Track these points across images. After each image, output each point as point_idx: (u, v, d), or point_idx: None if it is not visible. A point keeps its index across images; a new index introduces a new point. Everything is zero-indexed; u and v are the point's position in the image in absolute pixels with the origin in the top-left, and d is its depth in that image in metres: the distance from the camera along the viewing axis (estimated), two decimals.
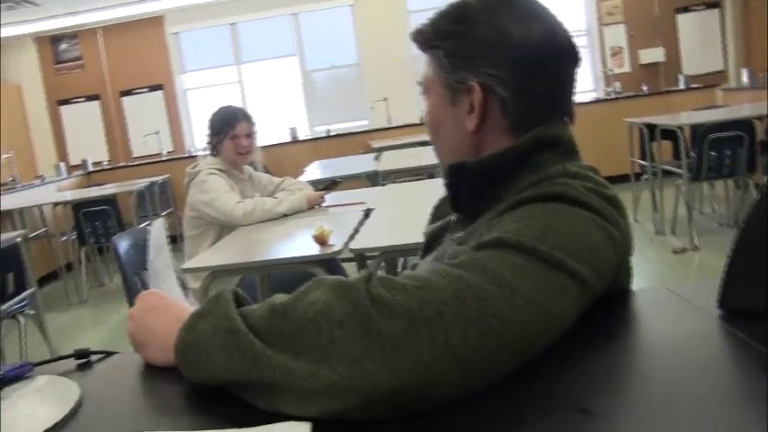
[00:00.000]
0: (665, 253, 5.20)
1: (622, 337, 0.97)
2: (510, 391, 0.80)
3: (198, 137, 9.72)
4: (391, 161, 5.78)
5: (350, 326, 0.77)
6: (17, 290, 4.68)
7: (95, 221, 6.80)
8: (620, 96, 8.85)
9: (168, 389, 0.95)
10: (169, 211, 8.46)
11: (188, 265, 2.86)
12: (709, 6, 9.10)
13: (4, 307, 4.43)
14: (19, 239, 4.69)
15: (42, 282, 7.14)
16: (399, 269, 3.51)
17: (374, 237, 2.78)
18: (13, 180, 8.41)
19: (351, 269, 3.56)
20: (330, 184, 3.75)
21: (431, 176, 5.03)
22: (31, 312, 4.71)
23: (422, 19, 1.19)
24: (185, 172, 3.59)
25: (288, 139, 9.25)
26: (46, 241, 7.62)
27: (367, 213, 3.23)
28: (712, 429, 0.69)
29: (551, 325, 0.86)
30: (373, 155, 6.67)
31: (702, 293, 1.00)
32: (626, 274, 1.07)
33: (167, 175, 8.72)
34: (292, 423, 0.78)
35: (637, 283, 1.11)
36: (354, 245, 2.61)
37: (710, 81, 8.77)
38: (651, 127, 6.30)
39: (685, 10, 9.14)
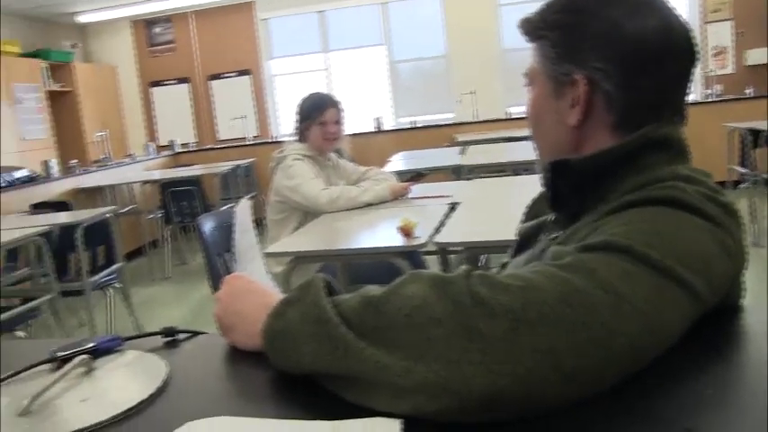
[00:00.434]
0: (760, 265, 5.01)
1: (733, 356, 0.91)
2: (612, 405, 0.76)
3: (283, 122, 9.85)
4: (476, 156, 5.70)
5: (448, 324, 0.74)
6: (106, 263, 4.83)
7: (181, 201, 6.95)
8: (720, 99, 8.41)
9: (254, 374, 0.95)
10: (252, 194, 8.56)
11: (270, 249, 2.87)
12: None
13: (93, 279, 4.57)
14: (109, 215, 4.82)
15: (129, 257, 7.35)
16: (481, 265, 3.46)
17: (459, 231, 2.73)
18: (106, 158, 8.67)
19: (431, 263, 3.52)
20: (415, 176, 3.73)
21: (516, 173, 4.96)
22: (118, 286, 4.85)
23: (512, 12, 1.17)
24: (271, 156, 3.61)
25: (372, 129, 9.25)
26: (134, 218, 7.83)
27: (452, 207, 3.19)
28: None
29: (659, 338, 0.80)
30: (458, 149, 6.61)
31: None
32: (738, 288, 0.99)
33: (252, 159, 8.84)
34: (382, 419, 0.76)
35: None
36: (439, 238, 2.57)
37: None
38: (755, 133, 5.97)
39: None
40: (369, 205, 3.42)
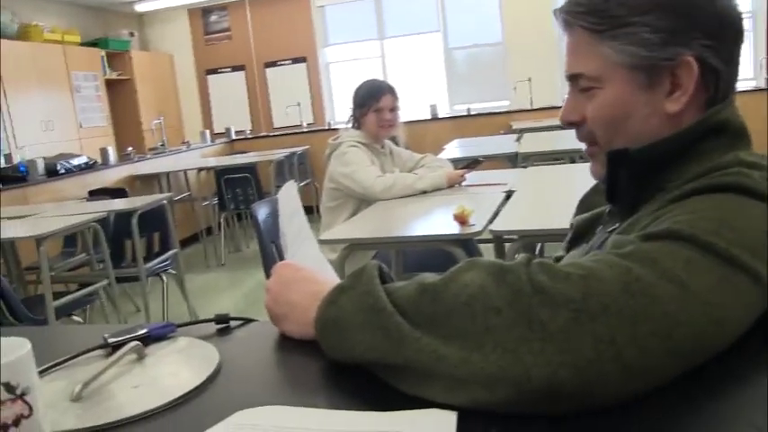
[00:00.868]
0: None
1: None
2: (674, 402, 0.72)
3: (338, 110, 9.85)
4: (532, 143, 5.63)
5: (508, 313, 0.72)
6: (162, 249, 4.89)
7: (236, 188, 7.01)
8: None
9: (306, 363, 0.94)
10: (307, 181, 8.62)
11: (324, 236, 2.86)
12: None
13: (149, 265, 4.64)
14: (165, 201, 4.88)
15: (184, 243, 7.45)
16: (537, 254, 3.40)
17: (514, 219, 2.69)
18: (162, 145, 8.79)
19: (486, 251, 3.48)
20: (472, 163, 3.67)
21: (572, 161, 4.87)
22: (173, 272, 4.91)
23: None
24: (326, 143, 3.61)
25: (428, 116, 9.19)
26: (189, 205, 7.94)
27: (508, 195, 3.14)
28: None
29: (725, 330, 0.76)
30: (514, 136, 6.54)
31: None
32: None
33: (307, 147, 8.87)
34: (438, 411, 0.74)
35: None
36: (494, 226, 2.53)
37: None
38: None
39: None
40: (424, 193, 3.39)
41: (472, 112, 9.21)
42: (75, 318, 4.35)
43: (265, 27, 9.98)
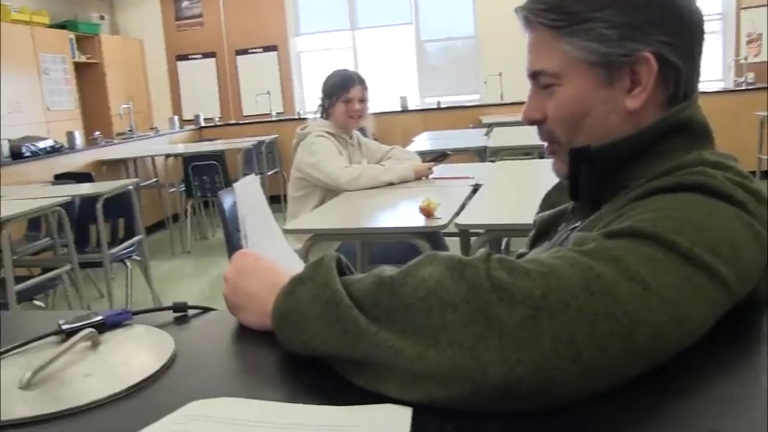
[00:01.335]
0: None
1: (762, 352, 0.85)
2: (633, 402, 0.72)
3: (308, 99, 9.81)
4: (501, 137, 5.64)
5: (464, 309, 0.71)
6: (126, 235, 4.84)
7: (203, 176, 6.95)
8: (751, 88, 8.19)
9: (263, 354, 0.93)
10: (275, 170, 8.57)
11: (289, 226, 2.86)
12: None
13: (113, 251, 4.59)
14: (131, 187, 4.83)
15: (150, 230, 7.38)
16: (503, 248, 3.42)
17: (481, 213, 2.70)
18: (130, 130, 8.69)
19: (452, 244, 3.49)
20: (439, 156, 3.68)
21: (541, 156, 4.90)
22: (138, 258, 4.87)
23: None
24: (294, 133, 3.59)
25: (398, 108, 9.20)
26: (156, 191, 7.86)
27: (475, 189, 3.15)
28: None
29: (686, 330, 0.76)
30: (483, 130, 6.56)
31: None
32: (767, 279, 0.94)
33: (275, 136, 8.81)
34: (393, 406, 0.73)
35: None
36: (460, 220, 2.53)
37: None
38: None
39: None
40: (391, 184, 3.39)
41: (442, 105, 9.22)
42: (38, 303, 4.30)
43: (237, 14, 9.89)
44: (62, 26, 8.50)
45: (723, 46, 8.74)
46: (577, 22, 0.99)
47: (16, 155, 6.06)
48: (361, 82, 3.57)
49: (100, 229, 4.49)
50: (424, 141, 6.02)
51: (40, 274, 4.16)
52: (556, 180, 1.23)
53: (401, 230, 2.64)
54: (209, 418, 0.75)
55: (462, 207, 2.77)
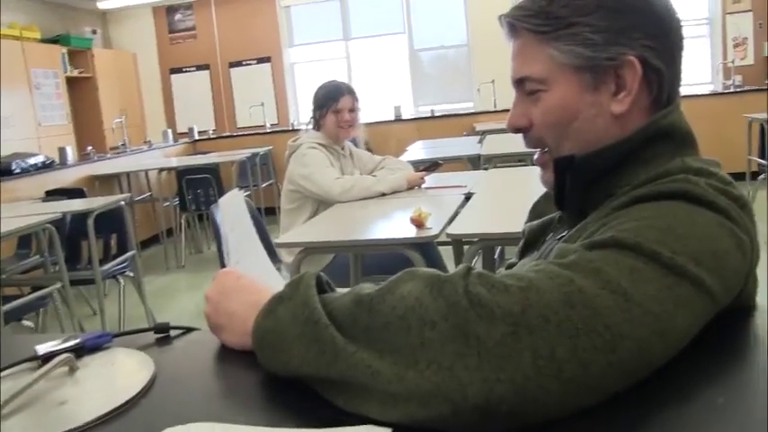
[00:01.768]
0: None
1: (747, 360, 0.85)
2: (616, 415, 0.71)
3: (302, 110, 9.82)
4: (495, 145, 5.62)
5: (443, 327, 0.70)
6: (119, 251, 4.81)
7: (197, 189, 6.94)
8: (739, 90, 8.30)
9: (244, 375, 0.91)
10: (270, 182, 8.58)
11: (281, 239, 2.84)
12: None
13: (105, 267, 4.55)
14: (123, 202, 4.79)
15: (145, 244, 7.36)
16: (496, 257, 3.40)
17: (473, 222, 2.68)
18: (123, 144, 8.68)
19: (446, 253, 3.47)
20: (431, 165, 3.67)
21: (534, 163, 4.88)
22: (131, 274, 4.83)
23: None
24: (287, 144, 3.57)
25: (392, 117, 9.19)
26: (150, 205, 7.84)
27: (467, 198, 3.13)
28: None
29: (669, 341, 0.75)
30: (477, 138, 6.55)
31: None
32: (753, 285, 0.93)
33: (270, 147, 8.82)
34: (372, 427, 0.72)
35: None
36: (452, 229, 2.52)
37: None
38: None
39: None
40: (383, 195, 3.38)
41: (436, 114, 9.23)
42: (26, 323, 4.26)
43: (230, 26, 9.91)
44: (54, 41, 8.49)
45: (711, 49, 8.83)
46: (563, 27, 0.99)
47: (5, 172, 6.02)
48: (350, 92, 3.56)
49: (91, 245, 4.45)
50: (418, 150, 6.01)
51: (30, 293, 4.12)
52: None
53: (392, 242, 2.62)
54: None
55: (454, 216, 2.75)
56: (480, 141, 6.09)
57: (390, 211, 3.13)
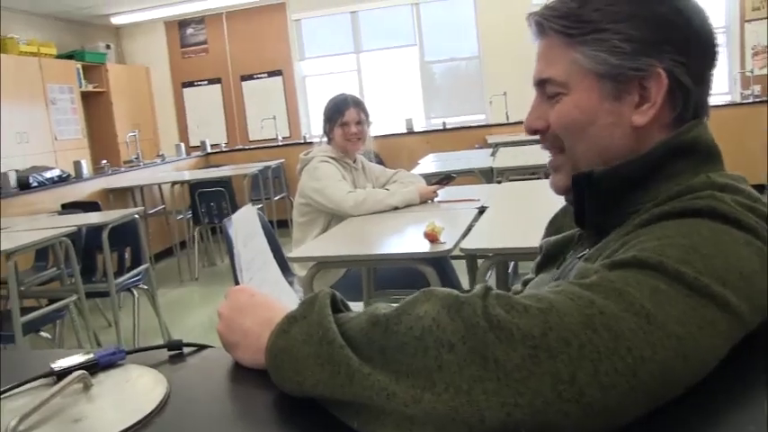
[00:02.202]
0: None
1: None
2: None
3: (314, 123, 9.83)
4: (508, 158, 5.62)
5: (461, 349, 0.68)
6: (133, 264, 4.83)
7: (210, 202, 6.96)
8: (759, 101, 8.08)
9: (258, 394, 0.90)
10: (282, 195, 8.58)
11: (294, 254, 2.84)
12: None
13: (120, 280, 4.57)
14: (137, 216, 4.82)
15: (158, 257, 7.38)
16: (510, 271, 3.39)
17: (487, 237, 2.67)
18: (137, 158, 8.72)
19: (459, 266, 3.46)
20: (444, 179, 3.66)
21: (548, 176, 4.87)
22: (145, 287, 4.84)
23: None
24: (299, 158, 3.58)
25: (403, 130, 9.19)
26: (163, 218, 7.87)
27: (481, 211, 3.12)
28: None
29: (694, 364, 0.72)
30: (489, 150, 6.54)
31: None
32: None
33: (282, 160, 8.84)
34: None
35: None
36: (466, 244, 2.50)
37: None
38: None
39: None
40: (396, 209, 3.37)
41: (448, 126, 9.21)
42: (44, 334, 4.28)
43: (242, 40, 9.95)
44: (69, 56, 8.57)
45: (728, 59, 8.65)
46: (592, 32, 0.98)
47: (23, 185, 6.09)
48: (357, 104, 3.56)
49: (106, 258, 4.48)
50: (429, 163, 5.99)
51: (47, 305, 4.14)
52: (563, 202, 1.21)
53: (406, 256, 2.61)
54: None
55: (468, 230, 2.73)
56: (493, 154, 6.07)
57: (403, 226, 3.11)
